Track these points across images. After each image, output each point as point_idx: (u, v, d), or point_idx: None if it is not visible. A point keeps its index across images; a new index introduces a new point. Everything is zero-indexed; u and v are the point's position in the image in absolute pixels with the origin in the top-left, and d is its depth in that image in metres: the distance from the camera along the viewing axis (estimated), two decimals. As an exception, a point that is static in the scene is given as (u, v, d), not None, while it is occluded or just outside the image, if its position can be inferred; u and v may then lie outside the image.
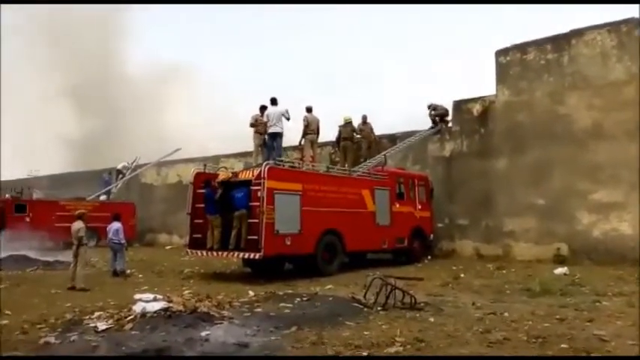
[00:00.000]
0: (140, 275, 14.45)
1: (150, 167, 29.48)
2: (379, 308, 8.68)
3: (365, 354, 6.20)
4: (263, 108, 15.26)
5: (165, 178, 29.84)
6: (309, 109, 16.34)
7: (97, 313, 8.17)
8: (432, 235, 18.31)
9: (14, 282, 12.88)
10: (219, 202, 13.79)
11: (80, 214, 12.48)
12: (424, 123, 20.16)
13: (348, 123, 18.14)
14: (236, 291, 10.76)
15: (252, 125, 15.52)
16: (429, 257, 18.01)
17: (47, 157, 37.66)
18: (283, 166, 14.13)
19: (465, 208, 18.66)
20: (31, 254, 17.64)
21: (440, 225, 19.04)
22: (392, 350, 6.33)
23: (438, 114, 19.71)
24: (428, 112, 19.96)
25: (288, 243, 13.03)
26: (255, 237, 12.69)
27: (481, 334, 7.07)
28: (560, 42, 16.72)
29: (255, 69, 65.93)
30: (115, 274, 14.03)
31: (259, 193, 12.73)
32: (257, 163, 14.99)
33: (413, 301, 8.84)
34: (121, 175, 28.75)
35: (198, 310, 7.87)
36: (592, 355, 6.10)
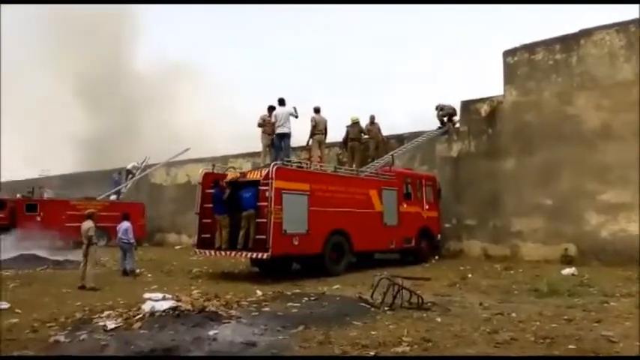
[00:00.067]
0: (149, 275, 14.55)
1: (159, 167, 29.64)
2: (386, 308, 8.70)
3: (372, 353, 6.22)
4: (271, 108, 15.32)
5: (174, 178, 29.98)
6: (316, 110, 16.38)
7: (106, 312, 8.24)
8: (439, 236, 18.30)
9: (25, 281, 13.02)
10: (228, 202, 13.85)
11: (90, 213, 12.57)
12: (432, 123, 20.18)
13: (355, 123, 18.17)
14: (244, 290, 10.82)
15: (259, 125, 15.58)
16: (437, 257, 18.00)
17: (58, 157, 37.95)
18: (291, 166, 14.18)
19: (473, 209, 18.63)
20: (42, 253, 17.81)
21: (447, 225, 19.03)
22: (399, 350, 6.35)
23: (445, 114, 19.68)
24: (436, 113, 19.94)
25: (296, 243, 13.07)
26: (263, 237, 12.75)
27: (488, 334, 7.07)
28: (569, 42, 16.65)
29: (260, 69, 66.22)
30: (125, 273, 14.13)
31: (267, 193, 12.78)
32: (265, 163, 15.06)
33: (420, 301, 8.86)
34: (130, 175, 28.93)
35: (207, 310, 7.93)
36: (600, 355, 6.10)
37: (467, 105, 19.23)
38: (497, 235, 17.98)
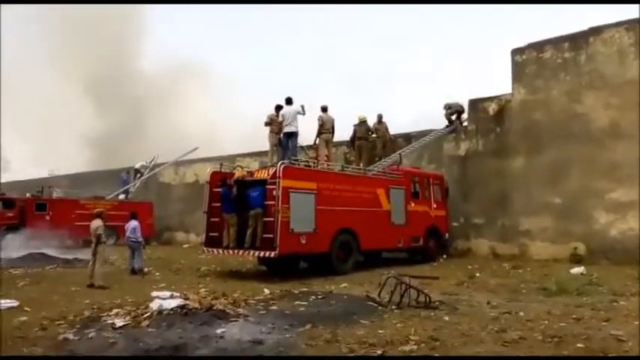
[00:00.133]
0: (157, 273, 14.60)
1: (167, 166, 29.77)
2: (394, 307, 8.70)
3: (379, 352, 6.21)
4: (279, 107, 15.31)
5: (182, 178, 30.10)
6: (323, 109, 16.35)
7: (114, 310, 8.30)
8: (447, 234, 18.27)
9: (34, 279, 13.11)
10: (236, 201, 13.88)
11: (99, 212, 12.63)
12: (433, 123, 20.16)
13: (362, 122, 18.14)
14: (251, 289, 10.85)
15: (267, 124, 15.59)
16: (445, 256, 17.96)
17: (67, 157, 38.25)
18: (298, 165, 14.18)
19: (481, 207, 18.58)
20: (51, 252, 17.97)
21: (455, 224, 18.99)
22: (406, 349, 6.34)
23: (453, 112, 19.63)
24: (444, 112, 19.89)
25: (303, 242, 13.07)
26: (271, 235, 12.77)
27: (496, 333, 7.05)
28: (578, 40, 16.56)
29: (260, 69, 66.46)
30: (133, 271, 14.19)
31: (275, 192, 12.80)
32: (272, 162, 15.07)
33: (428, 299, 8.84)
34: (139, 175, 29.08)
35: (214, 308, 7.97)
36: (609, 355, 6.06)
37: (475, 103, 19.17)
38: (505, 234, 17.92)
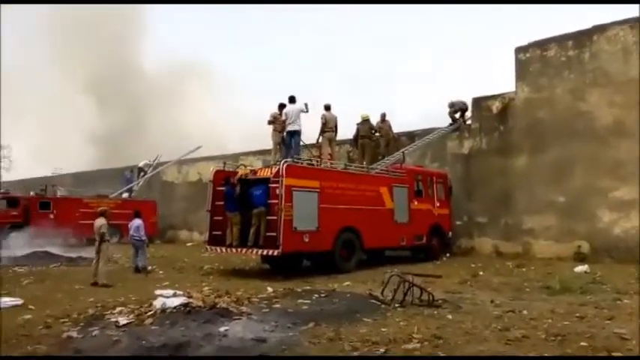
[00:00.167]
0: (161, 271, 14.63)
1: (171, 165, 29.81)
2: (397, 305, 8.69)
3: (382, 350, 6.21)
4: (282, 106, 15.32)
5: (185, 176, 30.15)
6: (327, 107, 16.35)
7: (118, 308, 8.32)
8: (450, 233, 18.25)
9: (38, 278, 13.15)
10: (239, 199, 13.89)
11: (102, 211, 12.65)
12: (439, 122, 20.09)
13: (365, 121, 18.13)
14: (255, 287, 10.86)
15: (270, 122, 15.59)
16: (448, 255, 17.94)
17: (70, 156, 38.36)
18: (301, 163, 14.18)
19: (484, 206, 18.55)
20: (55, 250, 18.02)
21: (459, 222, 18.97)
22: (409, 347, 6.34)
23: (457, 109, 19.59)
24: (448, 110, 19.85)
25: (306, 240, 13.08)
26: (274, 234, 12.77)
27: (499, 331, 7.03)
28: (581, 38, 16.51)
29: (260, 69, 66.55)
30: (137, 270, 14.22)
31: (278, 191, 12.80)
32: (275, 160, 15.07)
33: (431, 298, 8.83)
34: (142, 173, 29.12)
35: (218, 306, 7.96)
36: (612, 354, 6.04)
37: (478, 102, 19.14)
38: (508, 232, 17.89)
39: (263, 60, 68.28)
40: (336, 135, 16.55)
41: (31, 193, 25.63)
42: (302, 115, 14.94)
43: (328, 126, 16.14)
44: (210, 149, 28.12)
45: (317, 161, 15.21)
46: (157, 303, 7.88)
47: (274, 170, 13.62)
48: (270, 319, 7.70)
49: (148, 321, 7.38)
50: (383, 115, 18.74)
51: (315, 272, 13.52)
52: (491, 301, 9.28)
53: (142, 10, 61.05)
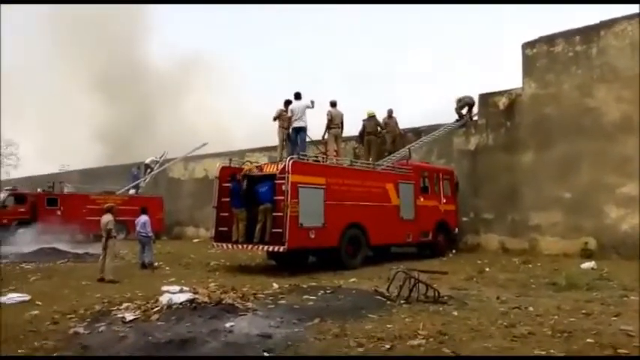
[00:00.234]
0: (167, 267, 14.68)
1: (177, 162, 29.91)
2: (402, 301, 8.67)
3: (387, 346, 6.20)
4: (288, 102, 15.32)
5: (192, 173, 30.23)
6: (332, 104, 16.33)
7: (124, 304, 8.34)
8: (456, 229, 18.22)
9: (45, 274, 13.21)
10: (245, 195, 13.92)
11: (109, 207, 12.69)
12: (445, 118, 20.06)
13: (371, 117, 18.11)
14: (260, 283, 10.88)
15: (275, 118, 15.59)
16: (454, 251, 17.93)
17: (78, 152, 38.54)
18: (307, 160, 14.18)
19: (491, 202, 18.50)
20: (62, 247, 18.10)
21: (465, 219, 18.93)
22: (414, 343, 6.33)
23: (463, 104, 19.53)
24: (455, 105, 19.80)
25: (312, 236, 13.09)
26: (280, 230, 12.79)
27: (505, 328, 7.01)
28: (589, 33, 16.39)
29: (260, 69, 66.58)
30: (143, 266, 14.28)
31: (284, 187, 12.82)
32: (281, 157, 15.09)
33: (436, 294, 8.82)
34: (149, 170, 29.22)
35: (223, 302, 7.97)
36: (618, 351, 6.00)
37: (485, 98, 19.07)
38: (515, 228, 17.84)
39: (262, 60, 68.35)
40: (342, 131, 16.55)
41: (39, 190, 25.78)
42: (307, 111, 14.94)
43: (334, 122, 16.13)
44: (216, 146, 28.22)
45: (323, 158, 15.21)
46: (164, 299, 7.90)
47: (280, 167, 13.63)
48: (276, 314, 7.71)
49: (155, 317, 7.40)
50: (390, 112, 18.73)
51: (320, 268, 13.53)
52: (497, 298, 9.26)
53: (146, 10, 61.16)
